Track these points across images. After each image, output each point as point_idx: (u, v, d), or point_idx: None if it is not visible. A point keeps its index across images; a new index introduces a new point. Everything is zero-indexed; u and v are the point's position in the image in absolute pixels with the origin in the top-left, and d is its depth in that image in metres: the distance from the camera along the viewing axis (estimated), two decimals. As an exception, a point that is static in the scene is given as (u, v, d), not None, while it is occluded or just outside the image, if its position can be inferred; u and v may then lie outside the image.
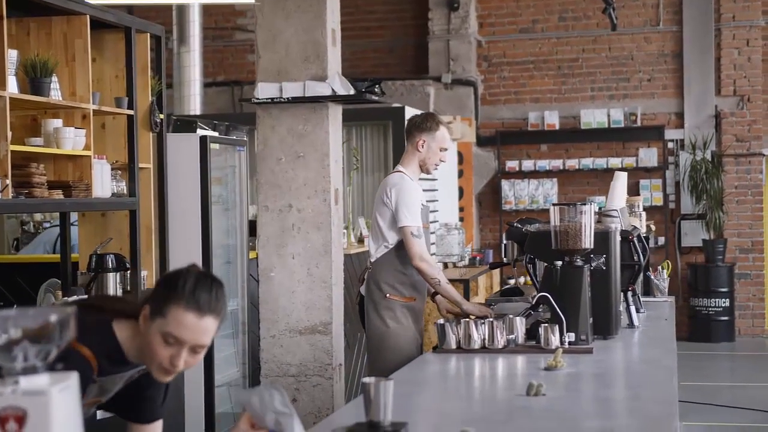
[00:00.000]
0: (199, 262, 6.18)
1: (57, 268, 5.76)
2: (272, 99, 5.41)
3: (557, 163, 12.52)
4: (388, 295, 5.09)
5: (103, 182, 5.32)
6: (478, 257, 10.64)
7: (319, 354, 5.44)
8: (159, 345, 2.53)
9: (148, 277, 5.82)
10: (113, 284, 5.42)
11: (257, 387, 2.42)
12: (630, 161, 12.31)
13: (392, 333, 5.03)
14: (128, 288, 5.58)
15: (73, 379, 1.81)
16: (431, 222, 9.81)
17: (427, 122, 5.22)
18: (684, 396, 8.49)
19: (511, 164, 12.62)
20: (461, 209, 12.08)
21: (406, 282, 5.12)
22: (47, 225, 8.26)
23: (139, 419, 2.87)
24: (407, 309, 5.10)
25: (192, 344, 2.54)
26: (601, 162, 12.35)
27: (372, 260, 5.19)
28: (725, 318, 11.97)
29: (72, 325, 1.81)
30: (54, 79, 4.97)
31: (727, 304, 11.95)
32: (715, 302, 11.93)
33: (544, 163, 12.56)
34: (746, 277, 12.27)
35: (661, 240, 12.26)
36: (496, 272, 10.72)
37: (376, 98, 5.67)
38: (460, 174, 12.08)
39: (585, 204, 4.37)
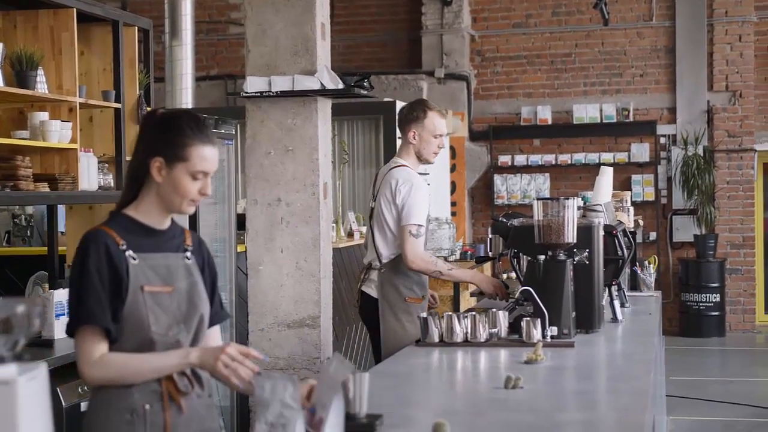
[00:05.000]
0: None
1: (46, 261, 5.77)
2: (261, 93, 5.40)
3: (550, 158, 12.53)
4: (407, 298, 5.02)
5: (90, 175, 5.32)
6: (469, 251, 10.65)
7: (308, 348, 5.44)
8: (188, 183, 2.81)
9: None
10: (100, 277, 5.41)
11: (276, 373, 2.44)
12: (622, 156, 12.33)
13: (409, 336, 4.88)
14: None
15: (41, 369, 1.82)
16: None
17: (413, 112, 5.10)
18: (674, 390, 8.51)
19: (504, 159, 12.64)
20: (454, 204, 12.11)
21: (421, 281, 5.09)
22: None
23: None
24: (421, 309, 5.04)
25: (212, 172, 2.85)
26: (593, 157, 12.36)
27: (383, 260, 5.06)
28: (716, 313, 11.99)
29: (39, 316, 1.83)
30: (40, 72, 4.97)
31: (718, 299, 11.98)
32: (706, 297, 11.95)
33: (536, 158, 12.57)
34: (737, 272, 12.31)
35: (653, 235, 12.29)
36: (489, 266, 10.74)
37: (365, 93, 5.65)
38: (453, 168, 12.10)
39: (568, 199, 4.38)
